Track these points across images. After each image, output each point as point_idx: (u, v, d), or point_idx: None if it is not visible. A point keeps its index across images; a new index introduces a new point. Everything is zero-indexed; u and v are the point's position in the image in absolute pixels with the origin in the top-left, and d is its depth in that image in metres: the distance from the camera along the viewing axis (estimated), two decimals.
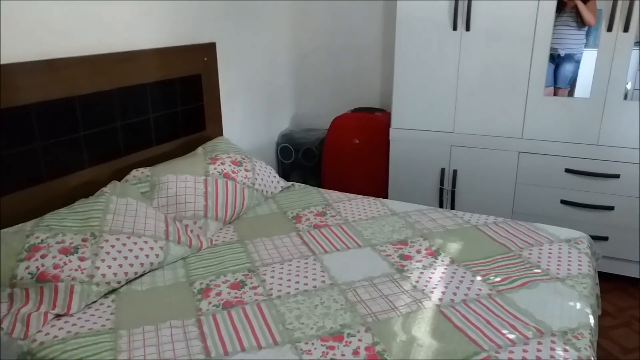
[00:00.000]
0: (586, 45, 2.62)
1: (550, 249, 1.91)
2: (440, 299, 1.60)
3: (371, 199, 2.41)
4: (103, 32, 2.14)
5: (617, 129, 2.48)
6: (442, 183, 2.88)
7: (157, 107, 2.39)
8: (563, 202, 2.66)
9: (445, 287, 1.66)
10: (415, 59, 2.78)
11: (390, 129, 2.94)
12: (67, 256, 1.64)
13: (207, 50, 2.69)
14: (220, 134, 2.86)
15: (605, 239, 2.61)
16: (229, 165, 2.32)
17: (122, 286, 1.71)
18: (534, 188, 2.71)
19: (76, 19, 2.02)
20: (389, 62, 3.32)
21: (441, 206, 2.93)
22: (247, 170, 2.37)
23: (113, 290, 1.69)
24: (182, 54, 2.51)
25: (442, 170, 2.87)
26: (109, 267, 1.68)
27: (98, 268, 1.66)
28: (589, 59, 2.61)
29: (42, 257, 1.62)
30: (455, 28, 2.64)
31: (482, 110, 2.72)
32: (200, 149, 2.45)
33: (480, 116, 2.73)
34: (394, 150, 2.96)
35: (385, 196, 3.10)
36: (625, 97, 2.46)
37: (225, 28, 2.85)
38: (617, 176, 2.52)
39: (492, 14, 2.56)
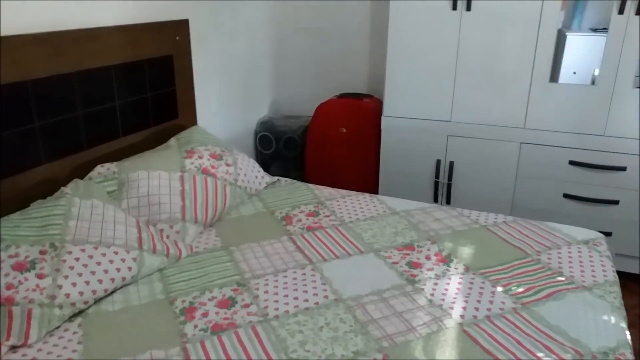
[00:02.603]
0: (570, 29, 2.45)
1: (569, 252, 1.74)
2: (461, 316, 1.40)
3: (367, 195, 2.20)
4: (59, 6, 1.84)
5: (626, 119, 2.33)
6: (437, 176, 2.69)
7: (123, 92, 2.10)
8: (566, 195, 2.51)
9: (465, 301, 1.46)
10: (410, 41, 2.56)
11: (382, 117, 2.72)
12: (22, 273, 1.37)
13: (179, 28, 2.40)
14: (194, 122, 2.58)
15: (609, 234, 2.48)
16: (208, 159, 2.06)
17: (90, 307, 1.45)
18: (535, 181, 2.54)
19: None
20: (377, 45, 3.09)
21: (436, 200, 2.74)
22: (228, 165, 2.11)
23: (79, 313, 1.42)
24: (152, 32, 2.22)
25: (438, 161, 2.67)
26: (74, 284, 1.41)
27: (60, 287, 1.39)
28: (574, 43, 2.45)
29: None
30: (455, 7, 2.42)
31: (482, 97, 2.52)
32: (173, 141, 2.18)
33: (480, 104, 2.54)
34: (385, 140, 2.75)
35: (375, 189, 2.90)
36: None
37: (198, 3, 2.56)
38: (623, 169, 2.38)
39: None
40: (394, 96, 2.67)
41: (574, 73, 2.49)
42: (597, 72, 2.46)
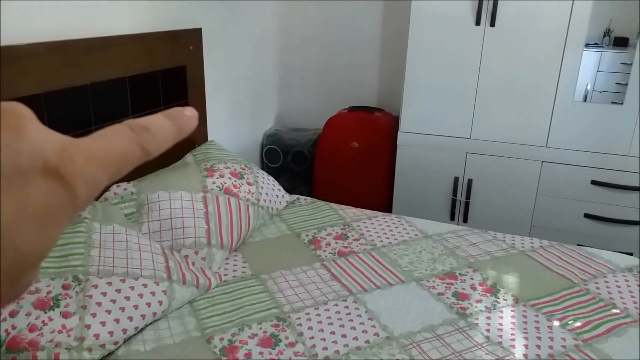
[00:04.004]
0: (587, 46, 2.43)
1: (616, 280, 1.68)
2: (524, 355, 1.32)
3: (394, 216, 2.10)
4: (71, 13, 1.69)
5: None
6: (454, 193, 2.62)
7: (137, 105, 1.96)
8: (587, 215, 2.47)
9: (525, 338, 1.38)
10: (430, 56, 2.48)
11: (398, 133, 2.63)
12: (45, 312, 1.23)
13: (193, 38, 2.26)
14: (205, 136, 2.45)
15: (630, 254, 2.44)
16: (229, 178, 1.93)
17: (119, 347, 1.31)
18: (556, 200, 2.49)
19: None
20: (388, 57, 3.01)
21: (452, 218, 2.66)
22: (249, 184, 1.99)
23: (108, 354, 1.28)
24: (166, 41, 2.08)
25: (456, 179, 2.60)
26: (103, 323, 1.27)
27: (89, 326, 1.25)
28: (588, 60, 2.43)
29: (12, 314, 1.20)
30: (478, 23, 2.36)
31: (504, 115, 2.46)
32: (190, 157, 2.05)
33: (502, 121, 2.48)
34: (401, 157, 2.66)
35: (388, 205, 2.81)
36: None
37: (210, 12, 2.43)
38: None
39: (522, 8, 2.30)
40: (411, 111, 2.59)
41: None
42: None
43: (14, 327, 1.18)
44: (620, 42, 2.48)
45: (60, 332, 1.21)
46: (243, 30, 2.75)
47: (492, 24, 2.35)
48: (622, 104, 2.32)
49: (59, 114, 1.62)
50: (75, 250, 1.39)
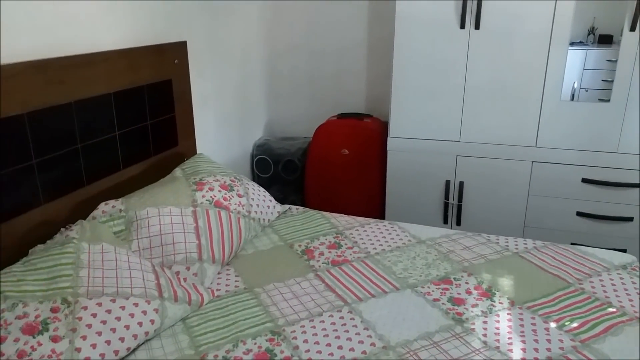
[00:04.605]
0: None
1: (611, 279, 1.67)
2: (523, 359, 1.31)
3: (387, 223, 2.09)
4: (54, 31, 1.68)
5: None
6: (446, 197, 2.61)
7: (123, 121, 1.95)
8: (579, 214, 2.47)
9: (522, 342, 1.37)
10: (417, 60, 2.48)
11: (388, 139, 2.63)
12: (34, 337, 1.20)
13: (178, 51, 2.25)
14: (194, 149, 2.43)
15: (623, 251, 2.44)
16: (219, 191, 1.92)
17: None
18: (547, 200, 2.49)
19: (21, 15, 1.55)
20: (375, 63, 3.02)
21: (445, 222, 2.66)
22: (239, 196, 1.97)
23: None
24: (151, 55, 2.07)
25: (447, 182, 2.59)
26: (93, 346, 1.25)
27: (79, 349, 1.22)
28: (574, 58, 2.44)
29: None
30: (463, 26, 2.36)
31: (492, 116, 2.47)
32: (178, 172, 2.02)
33: (490, 123, 2.48)
34: (391, 162, 2.65)
35: (381, 211, 2.80)
36: None
37: (194, 24, 2.42)
38: (637, 185, 2.35)
39: (505, 10, 2.30)
40: (400, 116, 2.58)
41: None
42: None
43: (2, 354, 1.15)
44: (605, 40, 2.50)
45: (50, 356, 1.18)
46: (228, 41, 2.74)
47: (477, 27, 2.35)
48: (609, 101, 2.33)
49: (44, 134, 1.60)
50: (63, 272, 1.36)
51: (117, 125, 1.92)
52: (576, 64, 2.49)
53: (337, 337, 1.39)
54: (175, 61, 2.23)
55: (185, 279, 1.62)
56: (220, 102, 2.73)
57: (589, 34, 2.52)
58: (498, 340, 1.38)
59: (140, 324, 1.35)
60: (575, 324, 1.44)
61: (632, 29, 2.19)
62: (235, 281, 1.69)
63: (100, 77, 1.82)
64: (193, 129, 2.41)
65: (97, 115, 1.82)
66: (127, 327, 1.33)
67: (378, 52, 2.99)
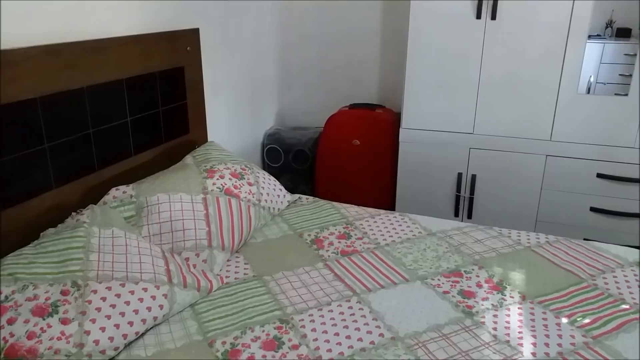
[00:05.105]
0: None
1: (625, 275, 1.65)
2: (533, 353, 1.29)
3: (397, 214, 2.07)
4: (66, 16, 1.67)
5: None
6: (458, 189, 2.59)
7: (135, 108, 1.94)
8: (593, 209, 2.43)
9: (533, 336, 1.35)
10: (431, 51, 2.45)
11: (400, 130, 2.61)
12: (44, 319, 1.21)
13: (190, 38, 2.24)
14: (205, 137, 2.43)
15: (637, 248, 2.41)
16: (230, 179, 1.91)
17: (120, 352, 1.29)
18: (561, 195, 2.46)
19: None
20: (388, 53, 2.99)
21: (457, 215, 2.64)
22: (250, 184, 1.97)
23: None
24: (163, 42, 2.06)
25: (459, 175, 2.57)
26: (102, 329, 1.25)
27: (88, 332, 1.23)
28: (591, 51, 2.39)
29: (10, 322, 1.18)
30: (479, 16, 2.33)
31: (507, 109, 2.43)
32: (189, 159, 2.02)
33: (505, 116, 2.45)
34: (403, 153, 2.63)
35: (391, 203, 2.78)
36: None
37: (207, 12, 2.41)
38: None
39: (523, 1, 2.26)
40: (413, 107, 2.56)
41: None
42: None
43: (12, 335, 1.16)
44: (623, 33, 2.45)
45: (59, 338, 1.19)
46: (241, 29, 2.73)
47: (494, 17, 2.32)
48: (626, 95, 2.29)
49: (56, 118, 1.60)
50: (73, 255, 1.36)
51: (129, 111, 1.92)
52: (593, 58, 2.45)
53: (346, 327, 1.38)
54: (188, 48, 2.22)
55: (194, 266, 1.62)
56: (231, 91, 2.72)
57: (606, 27, 2.47)
58: (508, 335, 1.36)
59: (149, 308, 1.36)
60: (587, 320, 1.42)
61: None
62: (245, 269, 1.69)
63: (113, 63, 1.82)
64: (204, 117, 2.40)
65: (109, 101, 1.82)
66: (136, 311, 1.33)
67: (391, 42, 2.96)
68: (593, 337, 1.35)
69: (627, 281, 1.62)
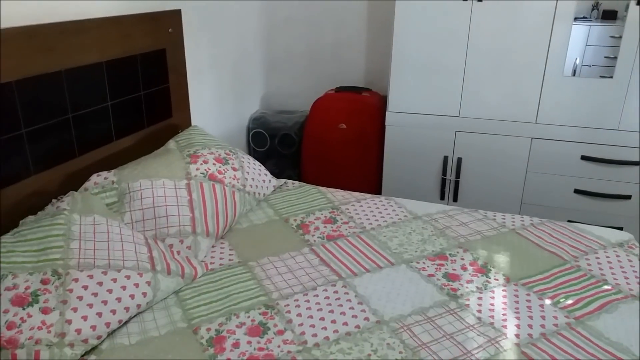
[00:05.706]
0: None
1: (607, 256, 1.67)
2: (517, 335, 1.30)
3: (383, 198, 2.07)
4: None
5: None
6: (444, 173, 2.59)
7: (115, 91, 1.90)
8: (577, 191, 2.45)
9: (517, 318, 1.36)
10: (417, 33, 2.43)
11: (387, 113, 2.59)
12: (24, 308, 1.19)
13: (172, 19, 2.20)
14: (188, 121, 2.39)
15: (620, 229, 2.43)
16: (214, 164, 1.89)
17: (103, 341, 1.28)
18: (546, 177, 2.47)
19: None
20: (375, 36, 2.96)
21: (442, 198, 2.64)
22: (234, 169, 1.94)
23: (92, 349, 1.25)
24: (144, 24, 2.02)
25: (445, 158, 2.57)
26: (84, 318, 1.24)
27: (70, 321, 1.21)
28: (577, 34, 2.38)
29: None
30: None
31: (493, 91, 2.43)
32: (172, 144, 1.99)
33: (491, 98, 2.44)
34: (389, 137, 2.62)
35: (378, 186, 2.78)
36: None
37: None
38: (637, 163, 2.33)
39: None
40: (399, 91, 2.54)
41: None
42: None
43: None
44: (609, 15, 2.44)
45: (40, 328, 1.17)
46: (225, 10, 2.68)
47: None
48: (611, 77, 2.29)
49: (33, 103, 1.56)
50: (54, 244, 1.34)
51: (109, 95, 1.88)
52: (579, 40, 2.45)
53: (331, 312, 1.38)
54: (170, 30, 2.18)
55: (178, 252, 1.60)
56: (215, 74, 2.68)
57: (592, 9, 2.46)
58: (492, 317, 1.37)
59: (132, 296, 1.34)
60: (570, 301, 1.44)
61: (639, 2, 2.14)
62: (230, 255, 1.68)
63: (92, 45, 1.77)
64: (188, 101, 2.37)
65: (89, 85, 1.78)
66: (118, 299, 1.31)
67: (378, 25, 2.93)
68: (575, 318, 1.37)
69: (609, 262, 1.63)
